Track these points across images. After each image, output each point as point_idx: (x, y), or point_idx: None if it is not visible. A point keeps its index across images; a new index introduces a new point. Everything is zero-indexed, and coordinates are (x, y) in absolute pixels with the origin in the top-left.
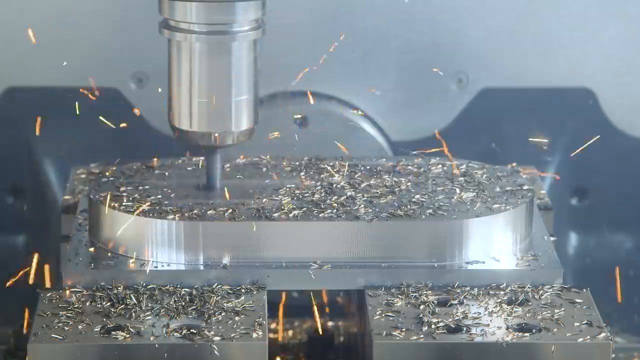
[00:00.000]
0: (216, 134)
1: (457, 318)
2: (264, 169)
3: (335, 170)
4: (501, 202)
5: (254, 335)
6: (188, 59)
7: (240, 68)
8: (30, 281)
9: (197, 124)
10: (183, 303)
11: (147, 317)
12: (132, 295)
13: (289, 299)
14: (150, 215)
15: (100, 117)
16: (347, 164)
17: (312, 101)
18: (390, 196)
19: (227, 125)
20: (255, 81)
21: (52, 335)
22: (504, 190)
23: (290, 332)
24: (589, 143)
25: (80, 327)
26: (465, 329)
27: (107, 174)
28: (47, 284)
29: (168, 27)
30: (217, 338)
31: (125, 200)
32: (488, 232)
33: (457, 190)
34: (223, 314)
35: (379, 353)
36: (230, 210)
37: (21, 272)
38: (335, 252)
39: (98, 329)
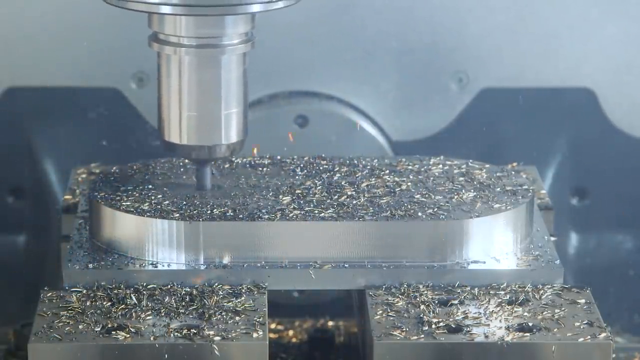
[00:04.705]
0: (206, 147)
1: (457, 318)
2: (264, 169)
3: (335, 170)
4: (501, 202)
5: (254, 335)
6: (177, 73)
7: (230, 81)
8: None
9: (187, 138)
10: (183, 303)
11: (147, 317)
12: (132, 295)
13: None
14: (150, 215)
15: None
16: (347, 164)
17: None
18: (390, 196)
19: (217, 138)
20: (245, 94)
21: (52, 335)
22: (504, 190)
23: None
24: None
25: (80, 327)
26: (465, 329)
27: (107, 174)
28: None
29: (157, 41)
30: (217, 338)
31: (125, 200)
32: (488, 232)
33: (457, 190)
34: (223, 313)
35: (379, 353)
36: (230, 211)
37: None
38: (336, 252)
39: (98, 329)
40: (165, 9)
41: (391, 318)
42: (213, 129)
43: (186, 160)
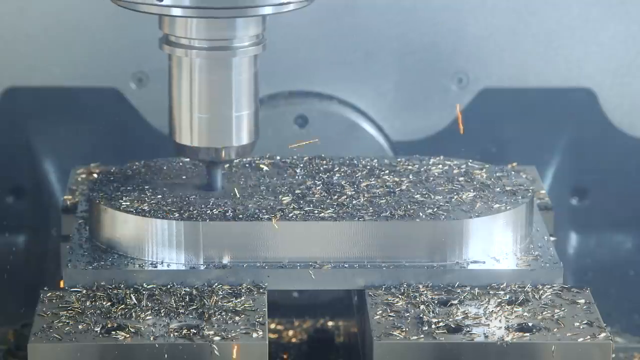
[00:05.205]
0: (217, 149)
1: (457, 318)
2: (264, 169)
3: (335, 170)
4: (501, 202)
5: (254, 335)
6: (188, 75)
7: (241, 83)
8: None
9: (198, 139)
10: (183, 303)
11: (147, 317)
12: (132, 295)
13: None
14: (150, 215)
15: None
16: (347, 164)
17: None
18: (390, 196)
19: (228, 140)
20: (255, 96)
21: (52, 335)
22: (504, 190)
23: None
24: None
25: (80, 327)
26: (465, 329)
27: (107, 174)
28: None
29: (168, 43)
30: (217, 338)
31: (125, 200)
32: (488, 232)
33: (457, 190)
34: (223, 313)
35: (379, 353)
36: (230, 210)
37: None
38: (335, 252)
39: (98, 329)
40: (177, 12)
41: (391, 318)
42: (224, 131)
43: (186, 160)
